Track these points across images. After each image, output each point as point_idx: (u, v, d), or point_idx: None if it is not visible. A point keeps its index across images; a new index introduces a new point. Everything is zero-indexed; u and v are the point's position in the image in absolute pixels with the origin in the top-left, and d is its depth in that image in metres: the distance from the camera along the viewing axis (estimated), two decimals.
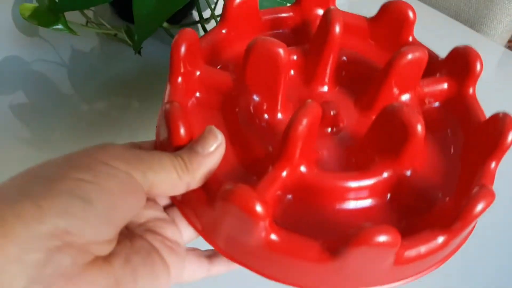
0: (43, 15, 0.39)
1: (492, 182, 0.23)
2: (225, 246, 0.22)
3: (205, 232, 0.23)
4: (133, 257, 0.20)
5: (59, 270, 0.16)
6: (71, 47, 0.46)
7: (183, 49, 0.25)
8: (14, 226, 0.16)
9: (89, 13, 0.46)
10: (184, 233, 0.24)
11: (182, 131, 0.22)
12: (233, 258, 0.22)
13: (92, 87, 0.44)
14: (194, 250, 0.24)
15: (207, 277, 0.24)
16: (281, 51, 0.25)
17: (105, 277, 0.18)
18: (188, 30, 0.26)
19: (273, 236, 0.20)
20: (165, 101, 0.25)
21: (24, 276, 0.15)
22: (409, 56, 0.25)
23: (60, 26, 0.39)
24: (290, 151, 0.22)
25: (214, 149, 0.21)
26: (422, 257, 0.21)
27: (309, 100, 0.22)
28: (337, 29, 0.27)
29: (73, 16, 0.41)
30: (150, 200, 0.23)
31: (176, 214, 0.24)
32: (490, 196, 0.21)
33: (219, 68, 0.29)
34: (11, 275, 0.15)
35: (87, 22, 0.43)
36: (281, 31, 0.32)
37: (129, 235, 0.21)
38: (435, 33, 0.53)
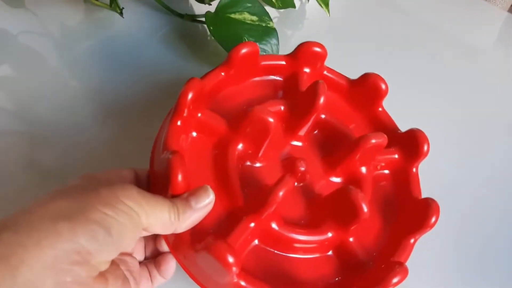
0: None
1: (407, 256, 0.30)
2: (201, 279, 0.28)
3: (187, 266, 0.28)
4: (118, 278, 0.25)
5: (77, 279, 0.21)
6: (58, 17, 0.46)
7: (189, 96, 0.29)
8: (53, 241, 0.21)
9: None
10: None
11: (180, 182, 0.26)
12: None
13: (81, 57, 0.44)
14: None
15: None
16: (271, 120, 0.29)
17: None
18: (195, 80, 0.29)
19: (242, 282, 0.26)
20: (165, 145, 0.28)
21: (51, 279, 0.20)
22: (373, 141, 0.31)
23: None
24: (264, 213, 0.27)
25: (205, 205, 0.26)
26: None
27: (287, 176, 0.27)
28: (321, 101, 0.31)
29: None
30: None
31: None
32: (404, 273, 0.28)
33: (220, 105, 0.33)
34: (44, 278, 0.20)
35: None
36: (273, 77, 0.36)
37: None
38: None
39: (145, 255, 0.31)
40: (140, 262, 0.29)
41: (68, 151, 0.38)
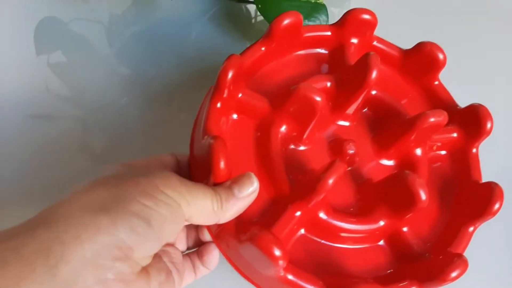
0: None
1: (465, 246, 0.27)
2: (245, 270, 0.26)
3: (230, 257, 0.27)
4: (161, 271, 0.24)
5: (119, 276, 0.20)
6: (106, 3, 0.45)
7: (230, 75, 0.26)
8: (92, 234, 0.19)
9: None
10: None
11: (222, 169, 0.25)
12: (251, 280, 0.26)
13: (129, 42, 0.44)
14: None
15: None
16: (319, 99, 0.27)
17: (147, 284, 0.22)
18: (235, 56, 0.27)
19: (289, 276, 0.24)
20: (205, 129, 0.26)
21: (92, 276, 0.19)
22: (431, 119, 0.28)
23: None
24: (312, 199, 0.25)
25: (249, 194, 0.24)
26: None
27: (337, 161, 0.25)
28: (373, 76, 0.28)
29: None
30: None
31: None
32: (464, 266, 0.25)
33: (256, 81, 0.31)
34: (84, 275, 0.19)
35: None
36: (318, 50, 0.33)
37: None
38: None
39: (187, 245, 0.29)
40: (182, 253, 0.28)
41: (118, 135, 0.39)
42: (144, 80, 0.42)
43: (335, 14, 0.49)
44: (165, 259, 0.25)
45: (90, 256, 0.19)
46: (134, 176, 0.22)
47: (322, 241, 0.27)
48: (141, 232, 0.21)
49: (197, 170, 0.28)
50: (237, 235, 0.25)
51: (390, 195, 0.27)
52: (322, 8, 0.41)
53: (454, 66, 0.36)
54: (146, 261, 0.22)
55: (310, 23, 0.40)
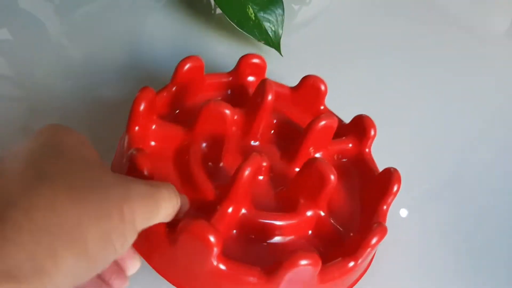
0: None
1: (384, 220, 0.30)
2: (176, 276, 0.26)
3: (157, 264, 0.26)
4: None
5: None
6: None
7: (142, 106, 0.29)
8: None
9: None
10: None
11: (146, 177, 0.26)
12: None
13: (79, 23, 0.43)
14: None
15: None
16: (227, 112, 0.30)
17: None
18: (148, 89, 0.30)
19: (221, 266, 0.24)
20: (126, 147, 0.28)
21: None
22: (322, 123, 0.33)
23: None
24: (236, 192, 0.27)
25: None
26: (339, 276, 0.27)
27: (254, 153, 0.28)
28: (270, 97, 0.33)
29: None
30: None
31: None
32: (383, 231, 0.28)
33: (173, 115, 0.34)
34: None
35: None
36: (222, 92, 0.38)
37: None
38: None
39: None
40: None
41: (62, 117, 0.37)
42: (92, 64, 0.40)
43: (295, 10, 0.51)
44: None
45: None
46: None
47: (254, 238, 0.28)
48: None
49: None
50: (169, 235, 0.25)
51: (306, 183, 0.30)
52: (278, 2, 0.42)
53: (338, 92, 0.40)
54: None
55: (266, 15, 0.41)
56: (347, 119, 0.38)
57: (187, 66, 0.34)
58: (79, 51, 0.42)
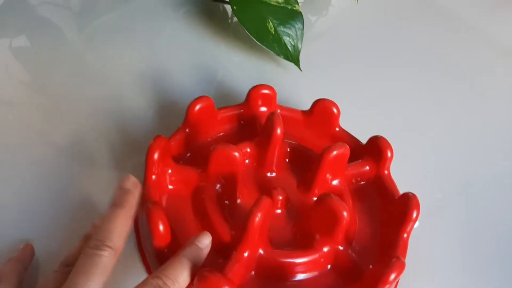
0: None
1: (405, 250, 0.30)
2: None
3: None
4: None
5: None
6: None
7: (156, 155, 0.31)
8: None
9: None
10: None
11: (161, 231, 0.27)
12: None
13: (98, 32, 0.43)
14: None
15: None
16: (236, 154, 0.31)
17: None
18: (161, 137, 0.32)
19: None
20: (146, 195, 0.30)
21: None
22: (334, 153, 0.33)
23: None
24: (250, 238, 0.28)
25: (207, 244, 0.27)
26: None
27: (263, 196, 0.28)
28: (279, 131, 0.33)
29: None
30: None
31: None
32: (401, 267, 0.28)
33: (188, 155, 0.35)
34: None
35: None
36: (234, 125, 0.38)
37: None
38: None
39: None
40: None
41: (79, 124, 0.38)
42: (110, 72, 0.40)
43: (312, 21, 0.50)
44: None
45: None
46: None
47: (272, 277, 0.29)
48: None
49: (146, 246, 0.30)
50: (188, 285, 0.26)
51: (319, 220, 0.30)
52: (298, 16, 0.42)
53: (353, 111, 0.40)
54: None
55: (286, 30, 0.41)
56: (364, 136, 0.37)
57: (197, 107, 0.35)
58: (97, 59, 0.43)
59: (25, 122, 0.38)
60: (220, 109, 0.38)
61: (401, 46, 0.53)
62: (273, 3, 0.42)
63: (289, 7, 0.42)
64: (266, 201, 0.28)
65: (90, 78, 0.42)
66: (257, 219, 0.27)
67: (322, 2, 0.56)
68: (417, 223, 0.32)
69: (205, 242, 0.27)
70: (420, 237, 0.34)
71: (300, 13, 0.42)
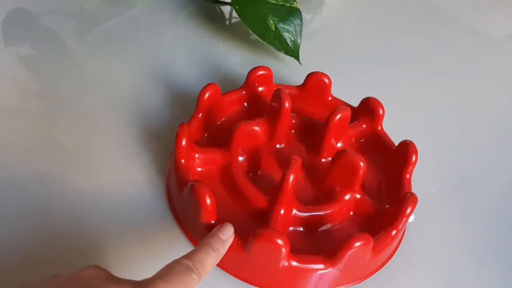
0: None
1: (410, 188, 0.35)
2: (250, 275, 0.31)
3: (231, 268, 0.31)
4: None
5: None
6: None
7: (184, 141, 0.34)
8: None
9: None
10: None
11: (209, 205, 0.30)
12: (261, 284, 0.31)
13: (100, 39, 0.44)
14: None
15: None
16: (257, 128, 0.35)
17: None
18: (184, 125, 0.34)
19: (293, 262, 0.29)
20: (180, 177, 0.33)
21: None
22: (339, 116, 0.37)
23: None
24: (285, 196, 0.31)
25: (230, 235, 0.29)
26: (387, 246, 0.32)
27: (293, 158, 0.32)
28: (287, 104, 0.37)
29: None
30: None
31: None
32: (414, 200, 0.32)
33: (206, 137, 0.39)
34: None
35: None
36: (240, 107, 0.42)
37: None
38: None
39: None
40: None
41: (85, 131, 0.38)
42: (114, 77, 0.41)
43: (307, 19, 0.52)
44: None
45: None
46: None
47: (307, 230, 0.33)
48: None
49: (187, 222, 0.33)
50: (241, 246, 0.29)
51: (338, 174, 0.34)
52: (297, 13, 0.44)
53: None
54: None
55: (285, 26, 0.44)
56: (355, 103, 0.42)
57: (207, 94, 0.38)
58: (100, 65, 0.44)
59: (31, 129, 0.38)
60: (225, 93, 0.41)
61: (396, 40, 0.55)
62: (272, 1, 0.45)
63: (288, 4, 0.44)
64: (296, 163, 0.32)
65: (94, 84, 0.43)
66: (291, 178, 0.31)
67: (316, 1, 0.57)
68: (412, 217, 0.35)
69: (228, 233, 0.29)
70: (415, 231, 0.36)
71: (299, 10, 0.44)
